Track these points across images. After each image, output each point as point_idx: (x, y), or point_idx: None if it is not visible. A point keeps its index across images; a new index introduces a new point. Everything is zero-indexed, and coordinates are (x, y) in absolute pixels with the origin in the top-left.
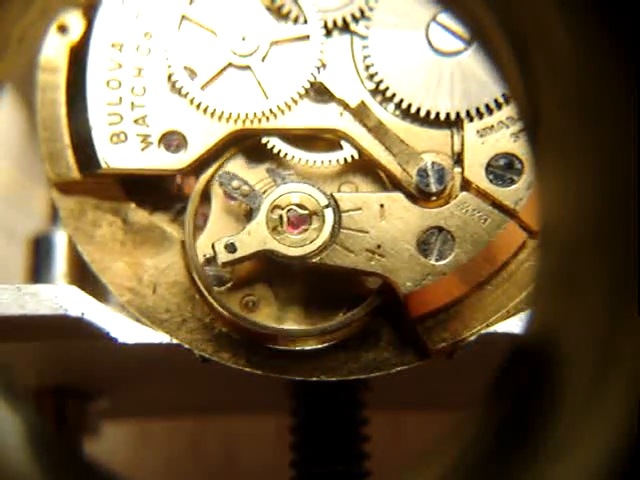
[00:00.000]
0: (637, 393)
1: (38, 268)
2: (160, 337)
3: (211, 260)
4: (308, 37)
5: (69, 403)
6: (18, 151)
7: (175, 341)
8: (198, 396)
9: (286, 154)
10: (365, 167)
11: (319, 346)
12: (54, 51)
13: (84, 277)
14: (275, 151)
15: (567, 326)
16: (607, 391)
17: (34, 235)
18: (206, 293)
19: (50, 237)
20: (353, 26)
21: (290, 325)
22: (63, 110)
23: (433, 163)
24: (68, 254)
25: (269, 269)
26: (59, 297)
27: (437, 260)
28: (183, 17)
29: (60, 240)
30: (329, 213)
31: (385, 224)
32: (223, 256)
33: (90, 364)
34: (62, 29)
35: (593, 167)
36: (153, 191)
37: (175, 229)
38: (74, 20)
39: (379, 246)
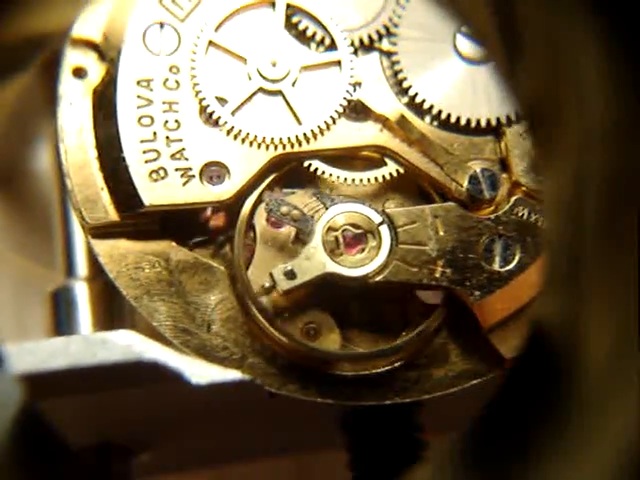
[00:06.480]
0: None
1: (60, 322)
2: (231, 375)
3: (270, 290)
4: (339, 62)
5: (114, 460)
6: None
7: (247, 377)
8: (224, 443)
9: (330, 175)
10: (406, 182)
11: (388, 367)
12: (73, 95)
13: (111, 325)
14: (318, 173)
15: (581, 316)
16: (624, 382)
17: (53, 289)
18: (267, 325)
19: (70, 289)
20: (379, 43)
21: (355, 349)
22: (93, 153)
23: (483, 170)
24: (91, 304)
25: (324, 294)
26: (126, 343)
27: (502, 266)
28: (210, 43)
29: (81, 291)
30: (385, 230)
31: (443, 235)
32: (284, 284)
33: (142, 415)
34: (78, 73)
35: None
36: (191, 227)
37: (220, 263)
38: (91, 63)
39: (440, 257)
